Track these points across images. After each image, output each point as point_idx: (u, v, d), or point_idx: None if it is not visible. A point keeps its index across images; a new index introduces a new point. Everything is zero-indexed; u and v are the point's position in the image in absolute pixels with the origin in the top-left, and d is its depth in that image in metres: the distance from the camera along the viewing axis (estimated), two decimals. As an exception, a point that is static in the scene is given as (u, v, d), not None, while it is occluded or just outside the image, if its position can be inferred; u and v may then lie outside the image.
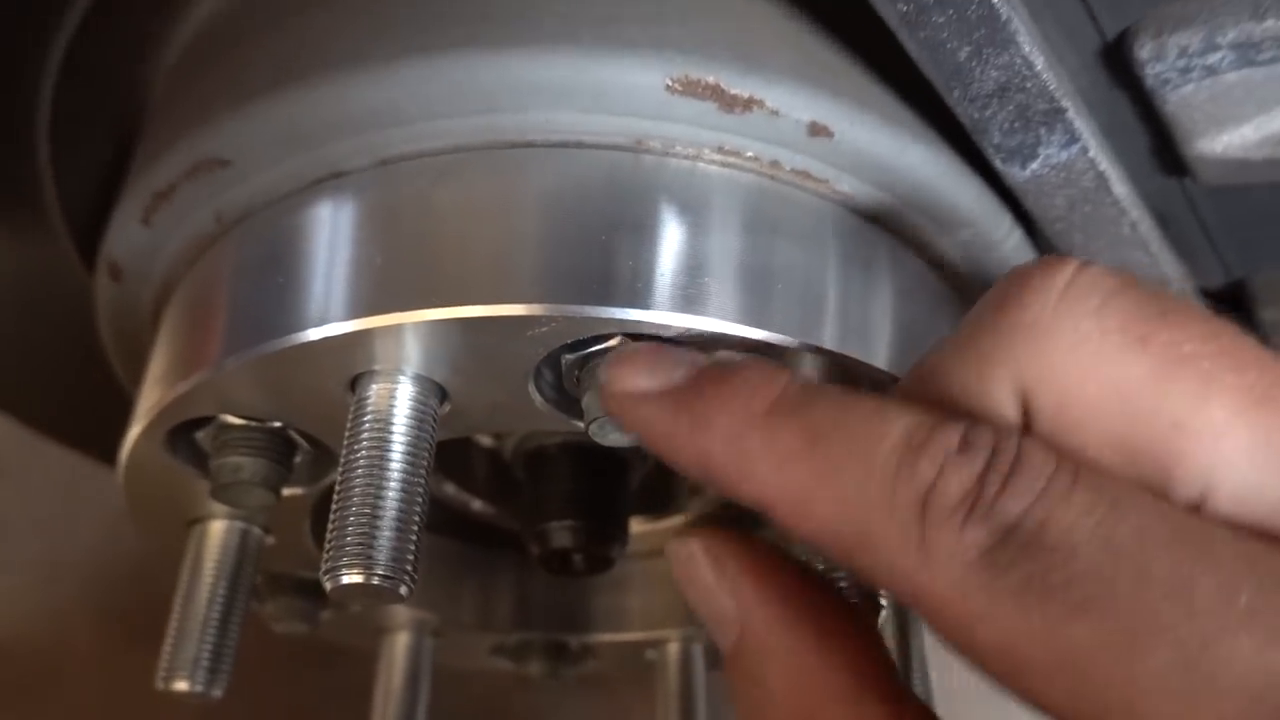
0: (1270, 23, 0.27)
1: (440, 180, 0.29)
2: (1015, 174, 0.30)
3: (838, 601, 0.25)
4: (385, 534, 0.27)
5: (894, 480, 0.20)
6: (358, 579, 0.26)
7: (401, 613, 0.45)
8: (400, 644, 0.46)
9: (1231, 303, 0.40)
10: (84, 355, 0.45)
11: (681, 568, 0.26)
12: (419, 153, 0.29)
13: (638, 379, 0.25)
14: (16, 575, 1.22)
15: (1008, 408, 0.21)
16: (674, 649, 0.48)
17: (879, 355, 0.30)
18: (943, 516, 0.19)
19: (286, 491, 0.34)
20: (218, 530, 0.37)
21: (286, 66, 0.30)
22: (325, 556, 0.27)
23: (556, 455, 0.40)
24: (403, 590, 0.27)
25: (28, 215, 0.44)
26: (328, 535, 0.27)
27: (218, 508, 0.36)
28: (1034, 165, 0.30)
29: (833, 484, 0.21)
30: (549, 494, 0.39)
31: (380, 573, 0.26)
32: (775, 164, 0.30)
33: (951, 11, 0.26)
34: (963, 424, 0.20)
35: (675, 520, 0.47)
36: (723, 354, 0.26)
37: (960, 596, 0.19)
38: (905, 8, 0.25)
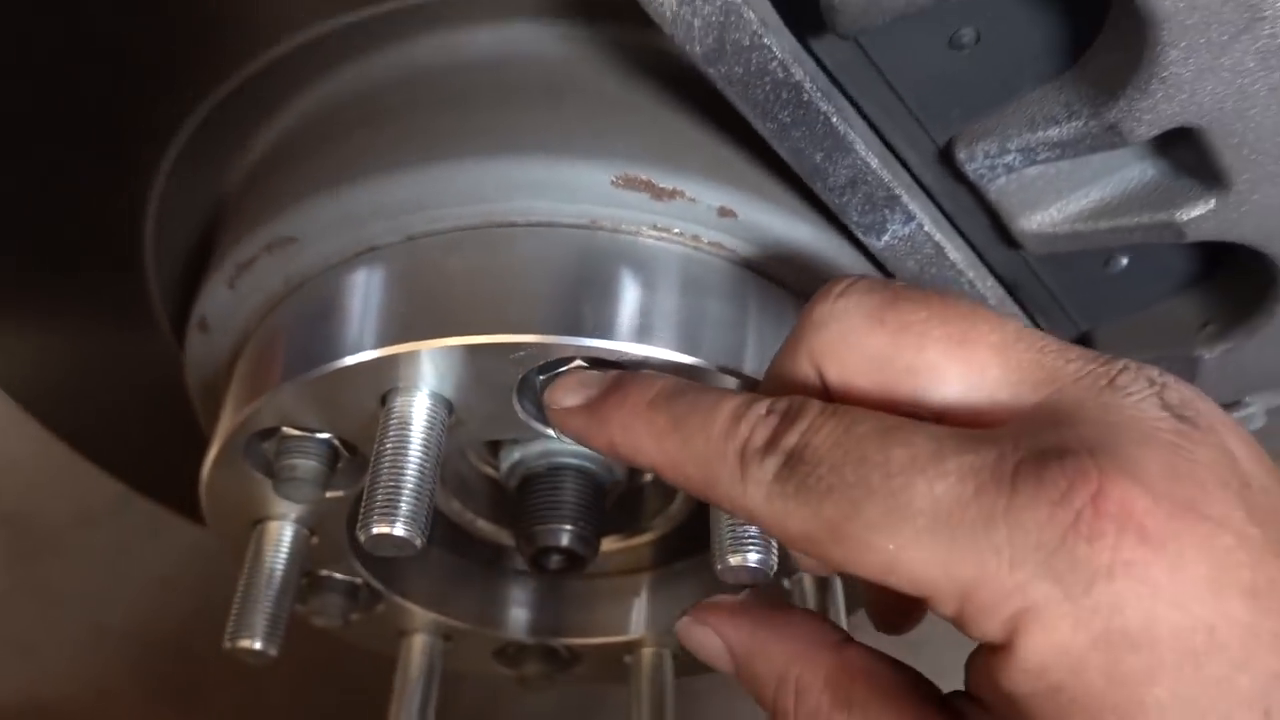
0: (1040, 134, 0.38)
1: (449, 251, 0.40)
2: (874, 244, 0.41)
3: (778, 602, 0.35)
4: (405, 501, 0.37)
5: (724, 440, 0.30)
6: (385, 529, 0.36)
7: (418, 615, 0.54)
8: (417, 644, 0.55)
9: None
10: (173, 420, 0.56)
11: (685, 638, 0.35)
12: (434, 231, 0.40)
13: (565, 398, 0.36)
14: (65, 644, 1.31)
15: (809, 376, 0.31)
16: (648, 654, 0.57)
17: None
18: (752, 456, 0.29)
19: (329, 494, 0.44)
20: (275, 528, 0.47)
21: (341, 170, 0.41)
22: (361, 515, 0.37)
23: (544, 476, 0.50)
24: (417, 541, 0.36)
25: (133, 300, 0.56)
26: (363, 502, 0.37)
27: (275, 510, 0.46)
28: (885, 237, 0.40)
29: (690, 448, 0.31)
30: (537, 504, 0.49)
31: (401, 525, 0.36)
32: (696, 237, 0.41)
33: (804, 129, 0.37)
34: (768, 400, 0.30)
35: (644, 538, 0.56)
36: (623, 373, 0.36)
37: (767, 504, 0.29)
38: (772, 126, 0.36)
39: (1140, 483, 0.25)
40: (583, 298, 0.38)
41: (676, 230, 0.41)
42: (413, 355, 0.38)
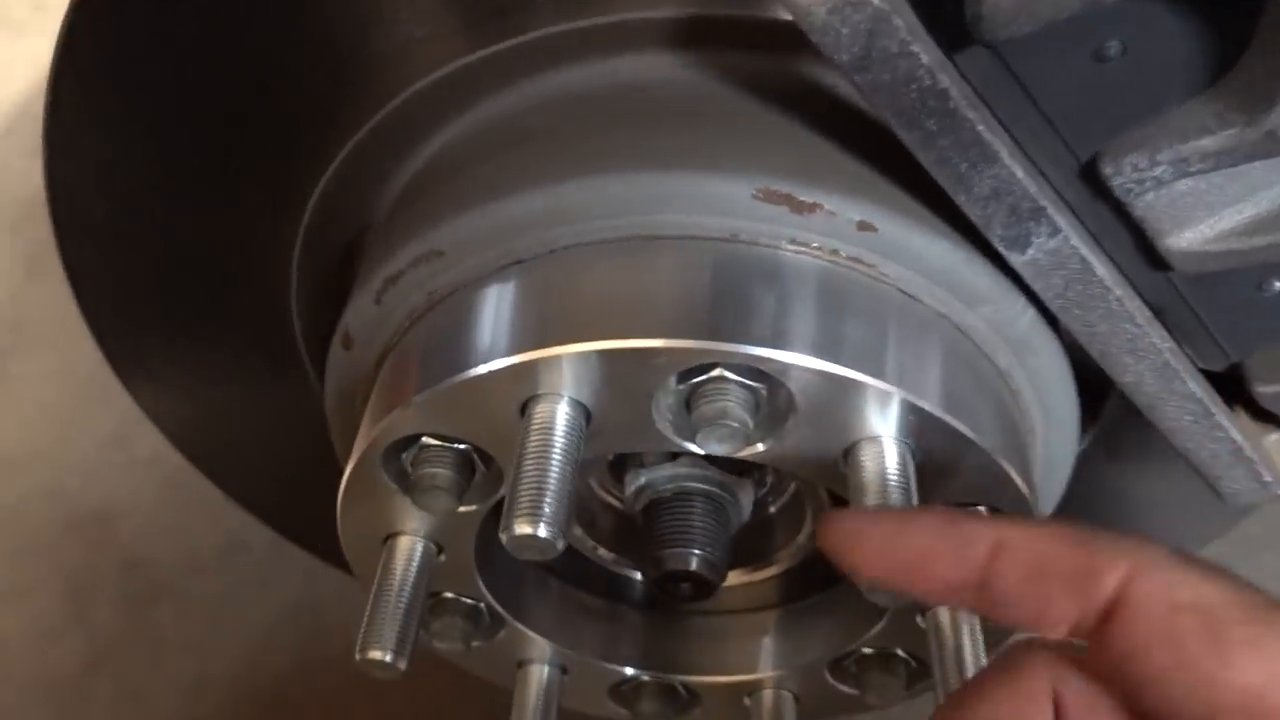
0: (1192, 144, 0.37)
1: (592, 262, 0.41)
2: (1016, 259, 0.40)
3: None
4: (549, 503, 0.37)
5: None
6: (528, 529, 0.36)
7: (537, 644, 0.54)
8: (534, 674, 0.55)
9: (1233, 383, 0.48)
10: (316, 466, 0.58)
11: None
12: (578, 244, 0.41)
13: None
14: (167, 692, 1.34)
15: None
16: (767, 696, 0.55)
17: (929, 395, 0.40)
18: None
19: (463, 508, 0.45)
20: (406, 542, 0.47)
21: (490, 186, 0.43)
22: (505, 516, 0.37)
23: (670, 499, 0.49)
24: (559, 543, 0.37)
25: (283, 353, 0.58)
26: (506, 504, 0.37)
27: (407, 525, 0.47)
28: (1030, 252, 0.40)
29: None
30: (664, 528, 0.48)
31: (545, 526, 0.36)
32: (835, 252, 0.41)
33: (950, 137, 0.37)
34: None
35: (768, 571, 0.55)
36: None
37: None
38: (916, 134, 0.37)
39: None
40: (722, 305, 0.39)
41: (815, 245, 0.41)
42: (553, 361, 0.39)
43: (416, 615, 0.46)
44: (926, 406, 0.39)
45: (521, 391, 0.40)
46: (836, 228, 0.41)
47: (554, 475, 0.38)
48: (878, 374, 0.39)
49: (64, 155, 0.51)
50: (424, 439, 0.43)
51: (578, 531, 0.54)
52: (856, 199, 0.40)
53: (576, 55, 0.46)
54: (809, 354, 0.38)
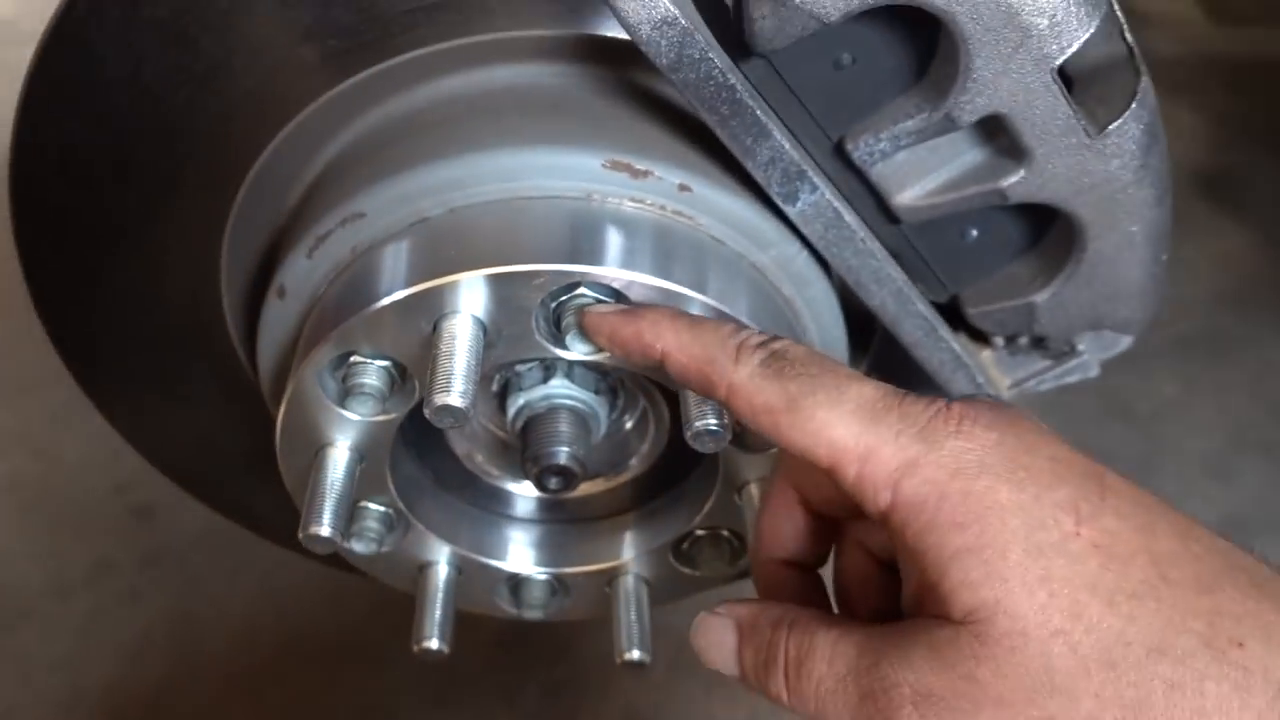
0: (901, 125, 0.54)
1: (483, 216, 0.55)
2: (790, 210, 0.56)
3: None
4: (459, 383, 0.50)
5: (729, 338, 0.45)
6: (445, 400, 0.49)
7: (436, 546, 0.66)
8: (433, 573, 0.67)
9: (954, 310, 0.66)
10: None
11: (701, 639, 0.46)
12: (471, 204, 0.55)
13: (605, 309, 0.51)
14: (39, 710, 1.36)
15: None
16: (624, 583, 0.69)
17: (740, 310, 0.55)
18: (746, 348, 0.45)
19: (383, 416, 0.57)
20: (335, 450, 0.59)
21: (401, 162, 0.56)
22: (428, 393, 0.50)
23: (545, 414, 0.63)
24: (469, 411, 0.50)
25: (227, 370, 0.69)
26: (428, 385, 0.50)
27: (335, 436, 0.59)
28: (799, 204, 0.56)
29: (700, 339, 0.46)
30: (539, 434, 0.62)
31: (457, 398, 0.49)
32: (663, 207, 0.56)
33: (738, 119, 0.52)
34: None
35: (621, 478, 0.70)
36: None
37: (749, 379, 0.44)
38: (715, 116, 0.52)
39: (982, 411, 0.41)
40: (581, 240, 0.53)
41: (649, 201, 0.56)
42: (453, 285, 0.52)
43: (348, 499, 0.58)
44: (741, 319, 0.55)
45: (431, 311, 0.53)
46: (663, 188, 0.56)
47: (461, 365, 0.51)
48: (701, 289, 0.54)
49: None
50: (354, 356, 0.55)
51: (476, 458, 0.67)
52: (678, 167, 0.56)
53: (462, 65, 0.60)
54: (649, 273, 0.52)
